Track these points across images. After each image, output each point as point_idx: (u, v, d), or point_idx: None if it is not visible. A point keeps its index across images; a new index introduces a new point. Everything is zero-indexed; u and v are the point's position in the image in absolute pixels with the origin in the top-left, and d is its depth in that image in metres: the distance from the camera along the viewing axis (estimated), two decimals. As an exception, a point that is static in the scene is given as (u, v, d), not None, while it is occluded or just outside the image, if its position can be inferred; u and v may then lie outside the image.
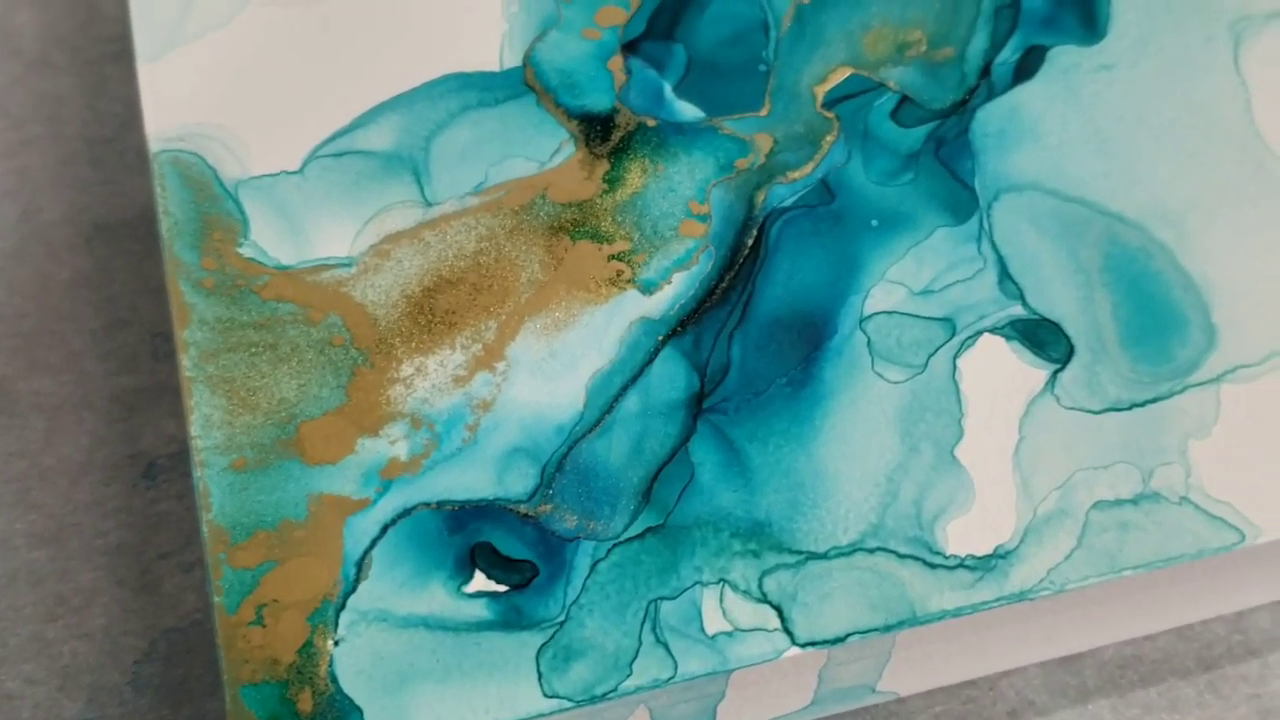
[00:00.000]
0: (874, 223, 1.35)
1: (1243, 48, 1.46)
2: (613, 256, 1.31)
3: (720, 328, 1.28)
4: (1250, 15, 1.48)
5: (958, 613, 1.12)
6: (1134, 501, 1.21)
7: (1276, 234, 1.33)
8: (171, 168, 1.33)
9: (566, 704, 1.09)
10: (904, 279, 1.32)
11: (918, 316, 1.29)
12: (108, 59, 1.73)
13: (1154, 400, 1.26)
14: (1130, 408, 1.25)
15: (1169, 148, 1.40)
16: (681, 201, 1.34)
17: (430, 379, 1.24)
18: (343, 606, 1.11)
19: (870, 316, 1.29)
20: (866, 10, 1.47)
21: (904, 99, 1.42)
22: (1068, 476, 1.22)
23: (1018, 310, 1.30)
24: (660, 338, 1.26)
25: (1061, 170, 1.38)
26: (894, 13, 1.46)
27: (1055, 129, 1.40)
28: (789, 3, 1.46)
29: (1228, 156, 1.40)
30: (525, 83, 1.40)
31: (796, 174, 1.37)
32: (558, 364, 1.25)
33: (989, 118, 1.42)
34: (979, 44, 1.46)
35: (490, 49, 1.42)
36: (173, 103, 1.38)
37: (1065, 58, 1.46)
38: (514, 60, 1.42)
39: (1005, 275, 1.31)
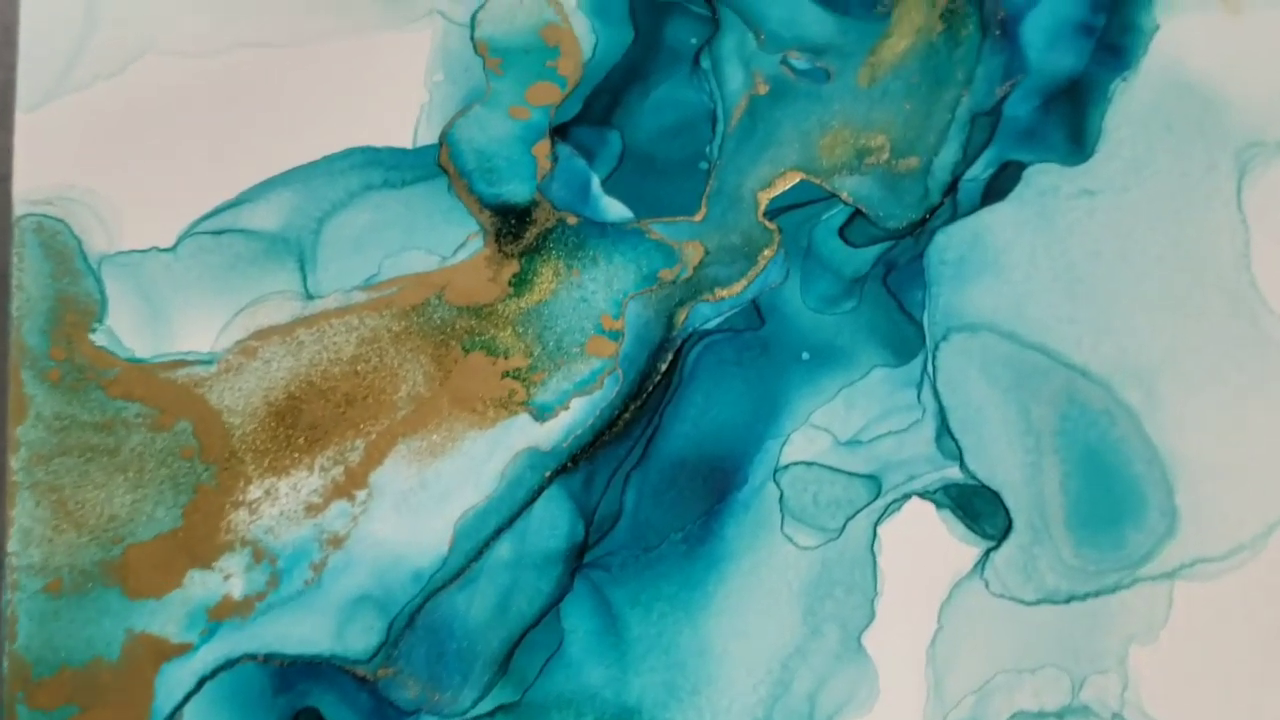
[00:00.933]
0: (805, 355, 1.19)
1: (1248, 179, 1.28)
2: (507, 373, 1.16)
3: (617, 466, 1.12)
4: (1263, 142, 1.31)
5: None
6: (1059, 716, 1.04)
7: (1262, 405, 1.17)
8: (34, 235, 1.18)
9: None
10: (830, 424, 1.16)
11: (840, 471, 1.13)
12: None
13: (1096, 594, 1.09)
14: (1068, 600, 1.09)
15: (1149, 292, 1.23)
16: (593, 314, 1.19)
17: (280, 504, 1.09)
18: (144, 769, 0.97)
19: (787, 467, 1.13)
20: (827, 108, 1.31)
21: (856, 213, 1.26)
22: (987, 679, 1.05)
23: (954, 473, 1.14)
24: (547, 473, 1.11)
25: (1023, 310, 1.21)
26: (858, 113, 1.30)
27: (1022, 261, 1.24)
28: (742, 93, 1.30)
29: (1215, 307, 1.23)
30: (438, 163, 1.25)
31: (725, 291, 1.21)
32: (426, 496, 1.10)
33: (949, 242, 1.26)
34: (948, 155, 1.29)
35: (405, 122, 1.27)
36: (47, 160, 1.23)
37: (1044, 178, 1.29)
38: (430, 137, 1.27)
39: (944, 430, 1.15)
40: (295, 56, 1.24)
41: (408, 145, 1.22)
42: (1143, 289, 1.19)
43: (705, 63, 1.28)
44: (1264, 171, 1.28)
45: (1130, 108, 1.28)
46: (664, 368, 1.13)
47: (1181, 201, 1.25)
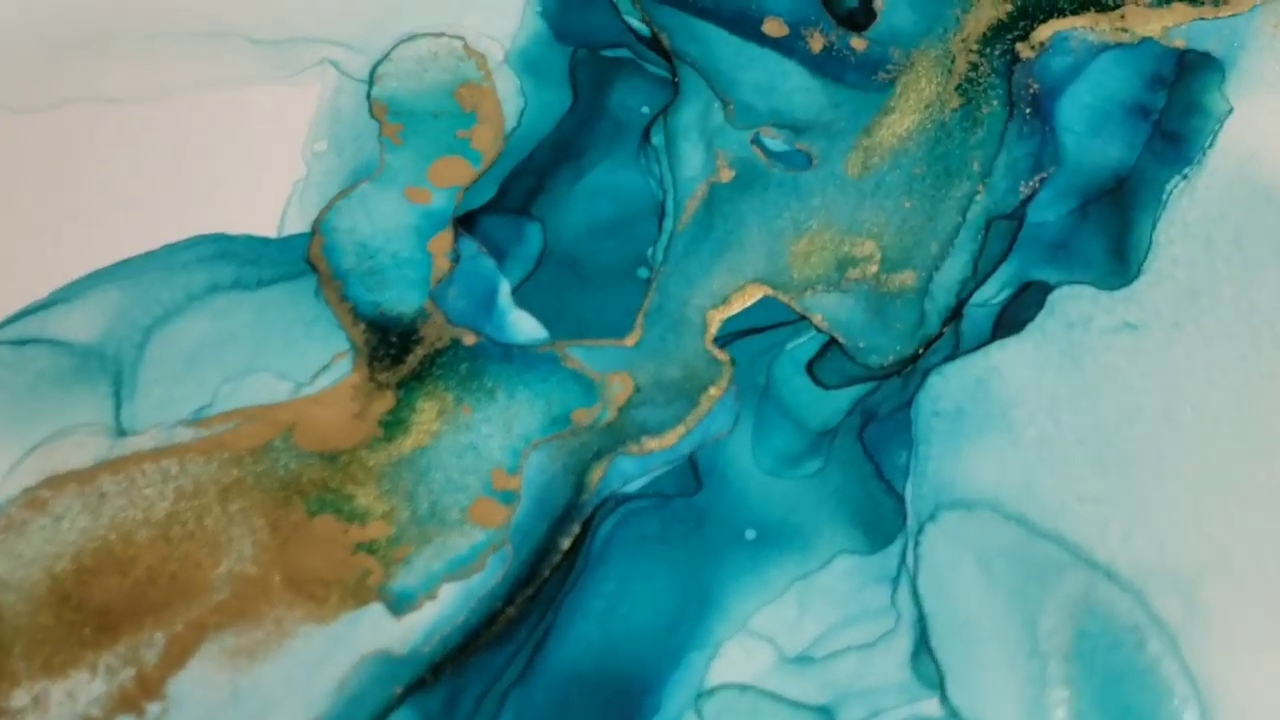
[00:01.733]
0: (750, 534, 0.92)
1: None
2: (362, 545, 0.89)
3: (492, 682, 0.85)
4: None
5: None
6: None
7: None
8: None
9: None
10: (776, 632, 0.88)
11: (783, 700, 0.86)
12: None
13: None
14: None
15: (1201, 469, 0.94)
16: (483, 468, 0.92)
17: (49, 718, 0.84)
18: None
19: (713, 691, 0.87)
20: (805, 203, 1.02)
21: (830, 344, 0.98)
22: None
23: (932, 707, 0.87)
24: (399, 688, 0.85)
25: (1036, 484, 0.93)
26: (843, 211, 1.01)
27: (1039, 416, 0.96)
28: (700, 179, 1.02)
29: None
30: (307, 259, 0.99)
31: (656, 442, 0.94)
32: (238, 714, 0.84)
33: (946, 387, 0.98)
34: (954, 271, 1.01)
35: (272, 203, 1.00)
36: None
37: (1074, 305, 1.01)
38: (301, 224, 1.00)
39: (923, 647, 0.87)
40: (137, 114, 0.98)
41: (271, 234, 0.96)
42: (1193, 464, 0.91)
43: (657, 138, 1.01)
44: (1357, 307, 0.99)
45: (1190, 216, 1.00)
46: (567, 544, 0.87)
47: (1250, 345, 0.96)
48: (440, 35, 1.03)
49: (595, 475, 0.89)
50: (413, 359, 0.91)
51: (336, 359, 0.91)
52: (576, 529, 0.87)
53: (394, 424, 0.89)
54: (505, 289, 0.95)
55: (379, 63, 1.02)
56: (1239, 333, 0.96)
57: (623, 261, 0.97)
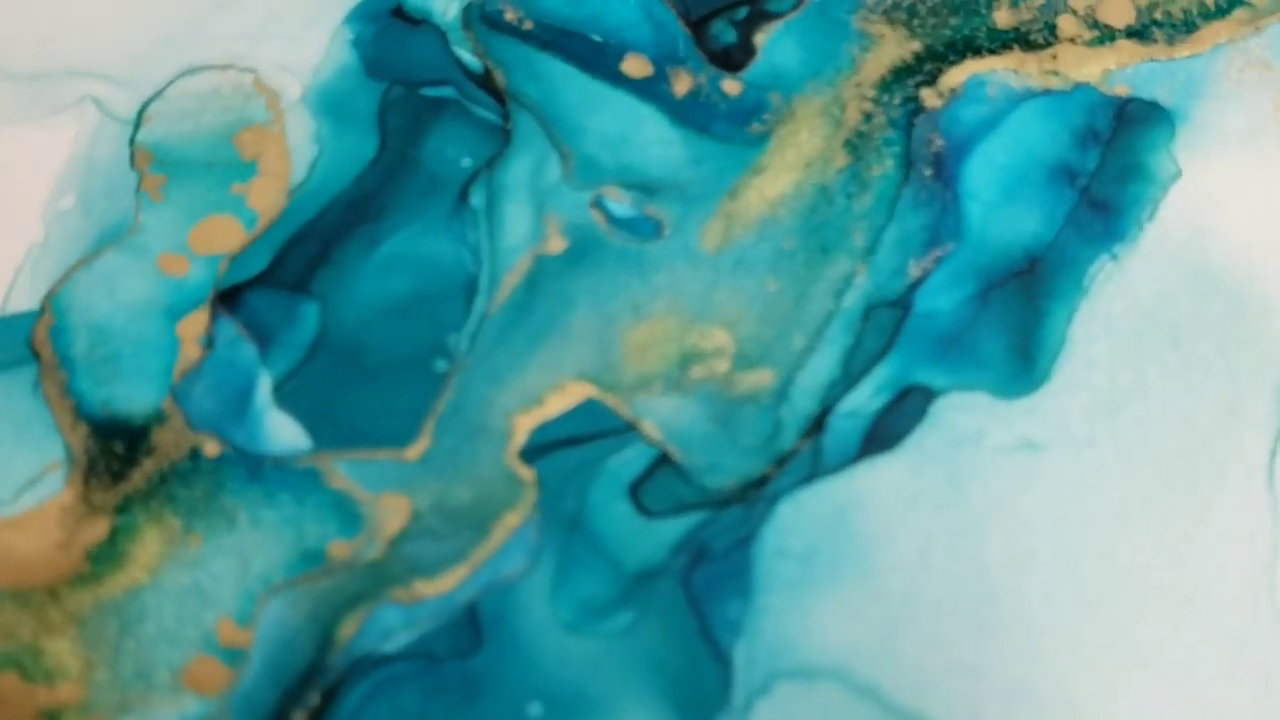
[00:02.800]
0: (535, 709, 0.72)
1: None
2: (46, 714, 0.72)
3: None
4: None
5: None
6: None
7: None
8: None
9: None
10: None
11: None
12: None
13: None
14: None
15: (1112, 624, 0.74)
16: (207, 617, 0.73)
17: None
18: None
19: None
20: (648, 281, 0.82)
21: (661, 460, 0.79)
22: None
23: None
24: None
25: (897, 649, 0.72)
26: (694, 291, 0.81)
27: (908, 561, 0.75)
28: (525, 247, 0.83)
29: (1221, 658, 0.74)
30: (30, 344, 0.80)
31: (430, 586, 0.75)
32: None
33: (798, 519, 0.77)
34: (821, 370, 0.80)
35: None
36: None
37: (963, 417, 0.80)
38: (29, 299, 0.82)
39: None
40: None
41: (-11, 310, 0.78)
42: (1098, 629, 0.71)
43: (478, 197, 0.82)
44: (1318, 425, 0.79)
45: (1117, 307, 0.79)
46: None
47: (1181, 470, 0.76)
48: (228, 68, 0.85)
49: (348, 629, 0.70)
50: (139, 474, 0.73)
51: (47, 471, 0.73)
52: (316, 700, 0.68)
53: (105, 557, 0.71)
54: (265, 385, 0.76)
55: (150, 100, 0.84)
56: (1168, 458, 0.76)
57: (416, 351, 0.78)
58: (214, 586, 0.69)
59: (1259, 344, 0.78)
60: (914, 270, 0.80)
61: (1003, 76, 0.85)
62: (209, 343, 0.75)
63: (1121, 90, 0.85)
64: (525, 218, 0.80)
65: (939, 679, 0.69)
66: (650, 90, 0.84)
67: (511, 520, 0.72)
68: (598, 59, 0.85)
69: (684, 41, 0.86)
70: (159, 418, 0.73)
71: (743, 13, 0.87)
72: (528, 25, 0.85)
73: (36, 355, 0.75)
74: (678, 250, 0.80)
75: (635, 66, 0.85)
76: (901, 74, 0.85)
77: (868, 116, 0.84)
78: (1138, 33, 0.86)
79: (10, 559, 0.70)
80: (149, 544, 0.70)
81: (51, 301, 0.76)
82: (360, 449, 0.74)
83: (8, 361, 0.74)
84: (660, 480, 0.74)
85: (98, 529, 0.70)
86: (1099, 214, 0.81)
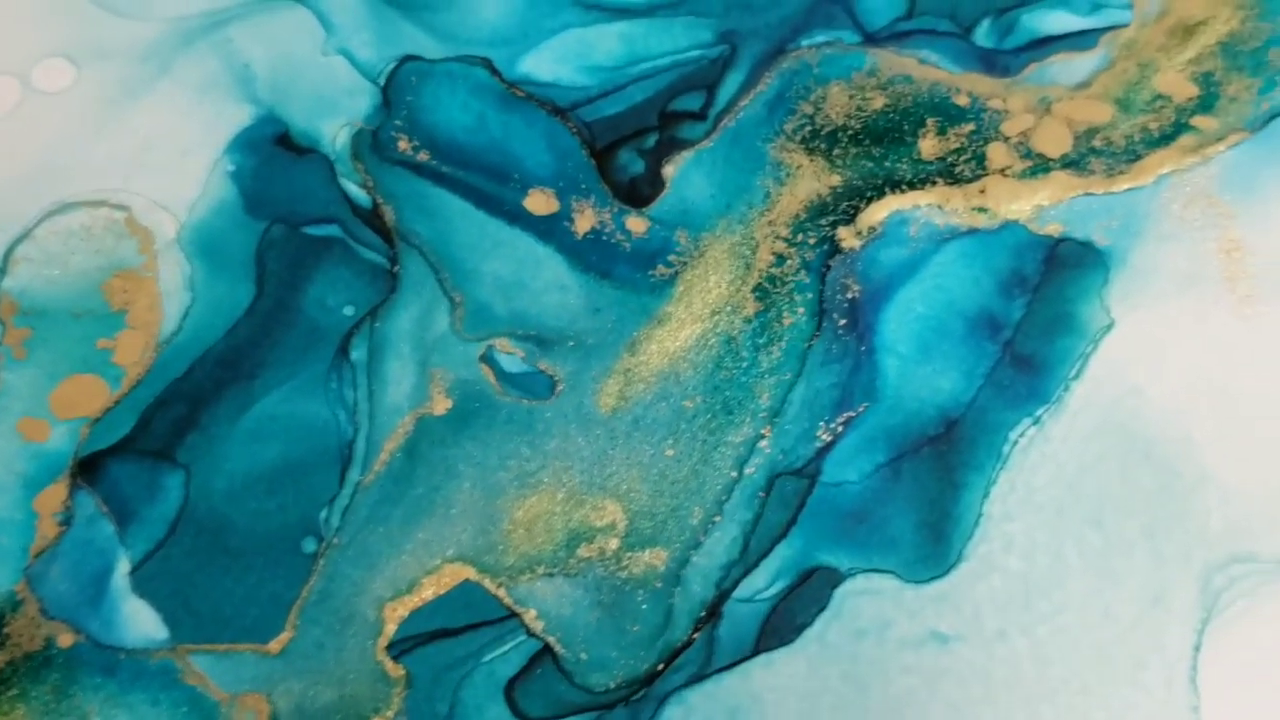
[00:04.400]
0: None
1: (1218, 628, 0.69)
2: None
3: None
4: (1256, 557, 0.71)
5: None
6: None
7: None
8: None
9: None
10: None
11: None
12: None
13: None
14: None
15: None
16: None
17: None
18: None
19: None
20: (538, 447, 0.74)
21: (542, 654, 0.70)
22: None
23: None
24: None
25: None
26: (586, 458, 0.73)
27: None
28: (406, 409, 0.75)
29: None
30: None
31: None
32: None
33: None
34: (719, 550, 0.72)
35: None
36: None
37: (868, 605, 0.71)
38: None
39: None
40: None
41: None
42: None
43: (359, 351, 0.74)
44: (1250, 614, 0.71)
45: (1038, 479, 0.71)
46: None
47: (1098, 667, 0.68)
48: (99, 204, 0.77)
49: None
50: (-17, 669, 0.66)
51: (-116, 669, 0.66)
52: None
53: (-58, 767, 0.64)
54: (123, 568, 0.68)
55: (17, 241, 0.76)
56: (1085, 654, 0.69)
57: (284, 528, 0.70)
58: (55, 802, 0.63)
59: (1188, 521, 0.70)
60: (823, 435, 0.72)
61: (926, 213, 0.77)
62: (66, 519, 0.68)
63: (1053, 229, 0.77)
64: (409, 374, 0.72)
65: None
66: (550, 229, 0.76)
67: (379, 722, 0.65)
68: (497, 194, 0.76)
69: (588, 173, 0.78)
70: (12, 603, 0.66)
71: (651, 140, 0.79)
72: (423, 156, 0.77)
73: (-122, 535, 0.67)
74: (571, 411, 0.72)
75: (539, 202, 0.76)
76: (818, 210, 0.77)
77: (780, 258, 0.76)
78: (1074, 163, 0.78)
79: None
80: (-12, 753, 0.63)
81: (-105, 473, 0.69)
82: (220, 641, 0.66)
83: None
84: (540, 678, 0.67)
85: (-67, 736, 0.63)
86: (1022, 372, 0.73)
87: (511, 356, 0.70)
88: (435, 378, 0.70)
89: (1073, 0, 0.79)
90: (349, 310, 0.71)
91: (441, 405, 0.69)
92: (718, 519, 0.67)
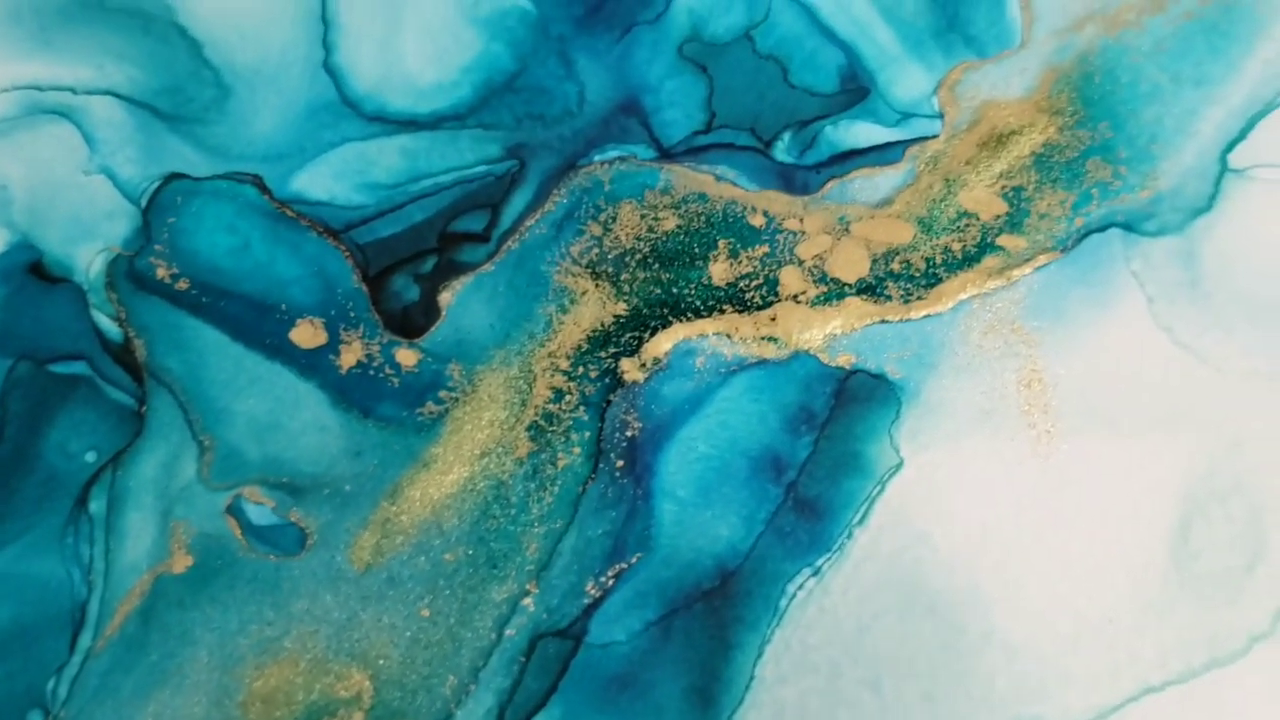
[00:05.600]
0: None
1: None
2: None
3: None
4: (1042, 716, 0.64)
5: None
6: None
7: None
8: None
9: None
10: None
11: None
12: None
13: None
14: None
15: None
16: None
17: None
18: None
19: None
20: (284, 608, 0.66)
21: None
22: None
23: None
24: None
25: None
26: (334, 622, 0.66)
27: None
28: (143, 568, 0.68)
29: None
30: None
31: None
32: None
33: None
34: None
35: None
36: None
37: None
38: None
39: None
40: None
41: None
42: None
43: (98, 502, 0.67)
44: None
45: (813, 637, 0.65)
46: None
47: None
48: None
49: None
50: None
51: None
52: None
53: None
54: None
55: None
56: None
57: (10, 700, 0.63)
58: None
59: (971, 683, 0.64)
60: (591, 590, 0.66)
61: (714, 343, 0.71)
62: None
63: (845, 360, 0.71)
64: (150, 528, 0.66)
65: None
66: (313, 364, 0.70)
67: None
68: (259, 325, 0.70)
69: (358, 301, 0.71)
70: None
71: (429, 264, 0.73)
72: (182, 284, 0.70)
73: None
74: (321, 569, 0.66)
75: (306, 334, 0.70)
76: (601, 340, 0.71)
77: (559, 393, 0.70)
78: (870, 288, 0.72)
79: None
80: None
81: None
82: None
83: None
84: None
85: None
86: (805, 517, 0.67)
87: (261, 507, 0.64)
88: (177, 531, 0.63)
89: (879, 111, 0.73)
90: (91, 457, 0.65)
91: (182, 563, 0.63)
92: (472, 688, 0.61)
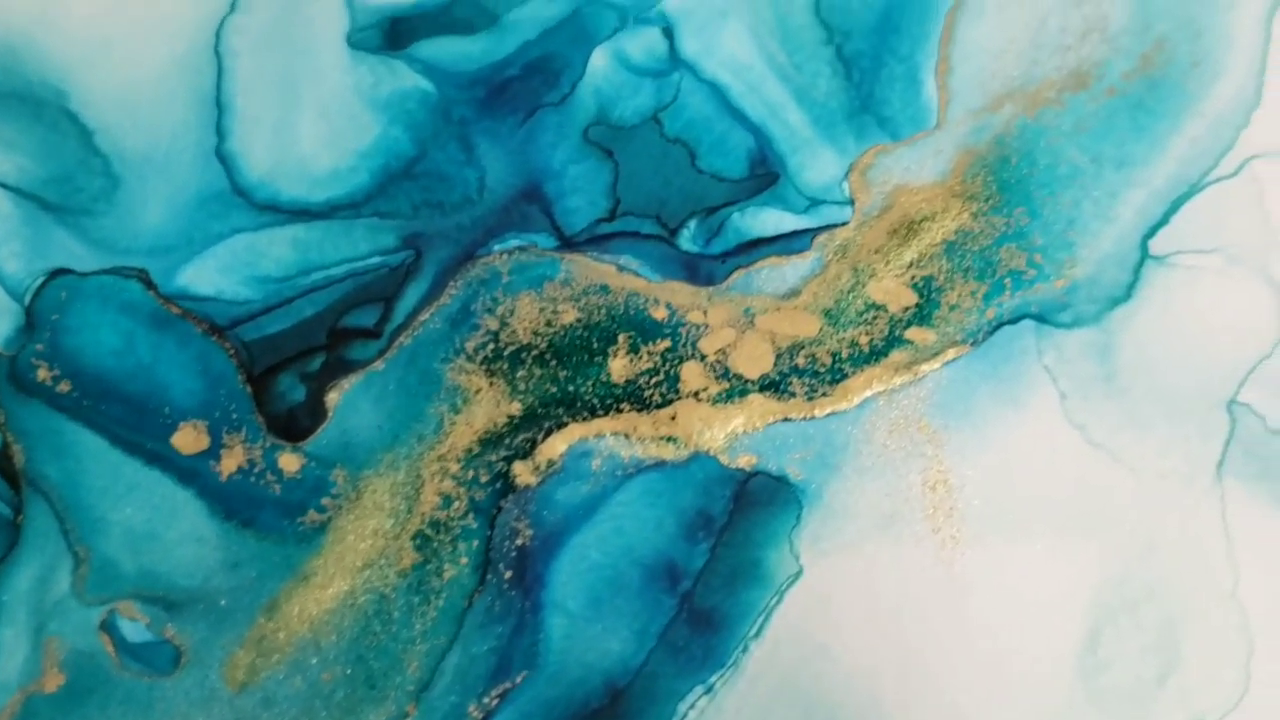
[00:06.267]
0: None
1: None
2: None
3: None
4: None
5: None
6: None
7: None
8: None
9: None
10: None
11: None
12: None
13: None
14: None
15: None
16: None
17: None
18: None
19: None
20: None
21: None
22: None
23: None
24: None
25: None
26: None
27: None
28: (12, 689, 0.65)
29: None
30: None
31: None
32: None
33: None
34: None
35: None
36: None
37: None
38: None
39: None
40: None
41: None
42: None
43: (-33, 620, 0.64)
44: None
45: None
46: None
47: None
48: None
49: None
50: None
51: None
52: None
53: None
54: None
55: None
56: None
57: None
58: None
59: (865, 807, 0.61)
60: (474, 712, 0.63)
61: (611, 444, 0.68)
62: None
63: (746, 461, 0.67)
64: (22, 644, 0.62)
65: None
66: (193, 470, 0.66)
67: None
68: (139, 429, 0.67)
69: (242, 402, 0.68)
70: None
71: (317, 362, 0.69)
72: (63, 386, 0.67)
73: None
74: (195, 688, 0.62)
75: (188, 438, 0.67)
76: (494, 442, 0.67)
77: (447, 499, 0.66)
78: (773, 384, 0.69)
79: None
80: None
81: None
82: None
83: None
84: None
85: None
86: (699, 630, 0.64)
87: (136, 623, 0.61)
88: (50, 648, 0.60)
89: (788, 197, 0.70)
90: (-36, 575, 0.61)
91: (54, 681, 0.59)
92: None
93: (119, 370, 0.63)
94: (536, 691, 0.58)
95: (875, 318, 0.65)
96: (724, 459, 0.62)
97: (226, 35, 0.69)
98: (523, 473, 0.62)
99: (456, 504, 0.61)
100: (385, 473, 0.62)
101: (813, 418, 0.64)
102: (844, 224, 0.68)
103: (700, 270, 0.67)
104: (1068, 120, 0.70)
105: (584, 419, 0.63)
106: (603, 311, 0.66)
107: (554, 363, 0.64)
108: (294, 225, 0.67)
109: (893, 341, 0.65)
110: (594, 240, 0.68)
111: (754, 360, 0.65)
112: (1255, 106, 0.70)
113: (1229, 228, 0.68)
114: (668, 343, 0.65)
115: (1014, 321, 0.65)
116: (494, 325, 0.65)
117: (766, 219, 0.68)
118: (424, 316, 0.66)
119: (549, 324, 0.65)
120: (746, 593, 0.60)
